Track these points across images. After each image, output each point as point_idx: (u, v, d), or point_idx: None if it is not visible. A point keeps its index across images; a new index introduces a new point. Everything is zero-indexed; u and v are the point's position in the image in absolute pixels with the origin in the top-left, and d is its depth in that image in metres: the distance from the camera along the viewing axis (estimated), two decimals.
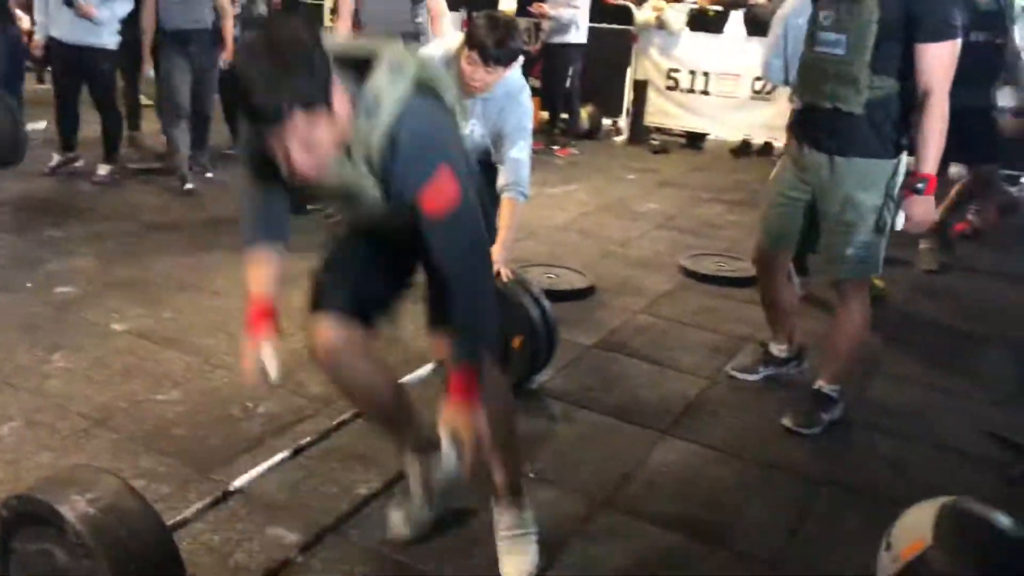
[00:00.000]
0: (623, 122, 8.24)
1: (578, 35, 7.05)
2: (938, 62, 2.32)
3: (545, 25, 7.14)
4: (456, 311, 1.69)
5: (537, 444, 2.62)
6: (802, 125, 2.69)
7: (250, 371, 1.81)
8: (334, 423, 2.30)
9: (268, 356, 1.84)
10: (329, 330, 1.90)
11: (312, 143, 1.45)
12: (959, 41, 2.32)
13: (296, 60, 1.39)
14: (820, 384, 2.83)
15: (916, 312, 3.99)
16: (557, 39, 7.08)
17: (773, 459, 2.61)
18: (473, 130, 3.28)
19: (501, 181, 3.14)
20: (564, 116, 7.51)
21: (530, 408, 2.83)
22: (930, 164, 2.41)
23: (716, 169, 7.12)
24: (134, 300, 3.63)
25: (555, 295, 3.58)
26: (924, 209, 2.49)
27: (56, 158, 5.55)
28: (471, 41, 2.94)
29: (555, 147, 7.26)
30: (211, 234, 4.59)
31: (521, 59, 3.05)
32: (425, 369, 2.67)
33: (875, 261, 2.64)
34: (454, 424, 1.68)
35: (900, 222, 2.52)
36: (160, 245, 4.39)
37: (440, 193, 1.61)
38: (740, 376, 3.12)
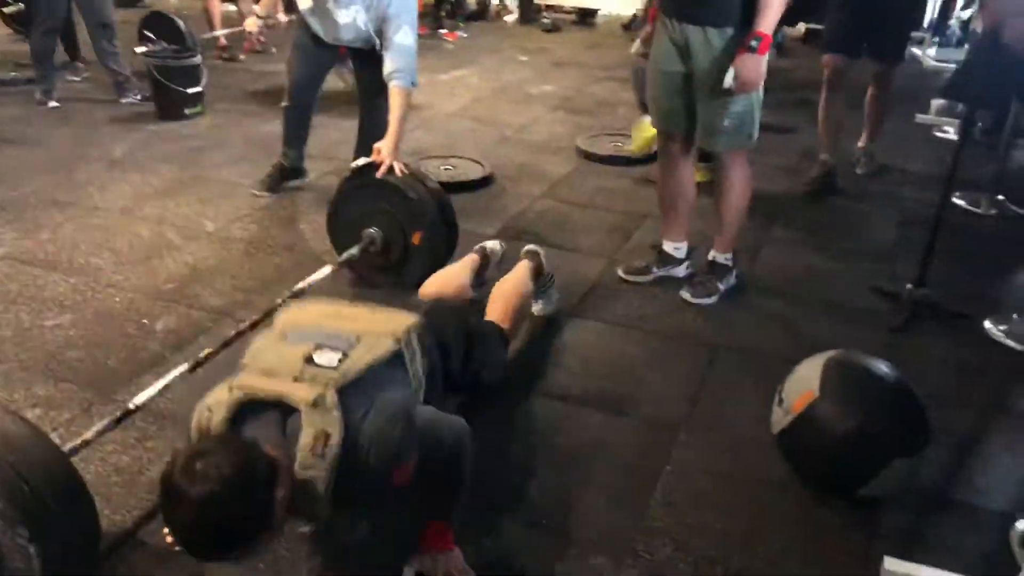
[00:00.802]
0: (512, 1, 8.01)
1: None
2: None
3: None
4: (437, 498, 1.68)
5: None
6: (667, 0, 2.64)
7: None
8: (232, 333, 2.24)
9: None
10: None
11: None
12: None
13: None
14: (714, 254, 2.93)
15: (803, 175, 4.14)
16: None
17: (673, 330, 2.72)
18: (356, 17, 3.13)
19: (387, 68, 3.04)
20: None
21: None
22: (768, 21, 2.40)
23: (609, 46, 7.06)
24: (7, 223, 3.40)
25: (453, 186, 3.56)
26: (753, 67, 2.45)
27: None
28: None
29: (443, 31, 7.02)
30: (81, 147, 4.29)
31: None
32: (322, 272, 2.62)
33: (750, 131, 2.67)
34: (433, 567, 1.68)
35: (729, 80, 2.47)
36: (27, 163, 4.09)
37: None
38: (632, 279, 3.01)
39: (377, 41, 3.14)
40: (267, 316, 2.39)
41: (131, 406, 1.84)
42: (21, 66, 5.55)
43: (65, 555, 1.50)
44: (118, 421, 1.85)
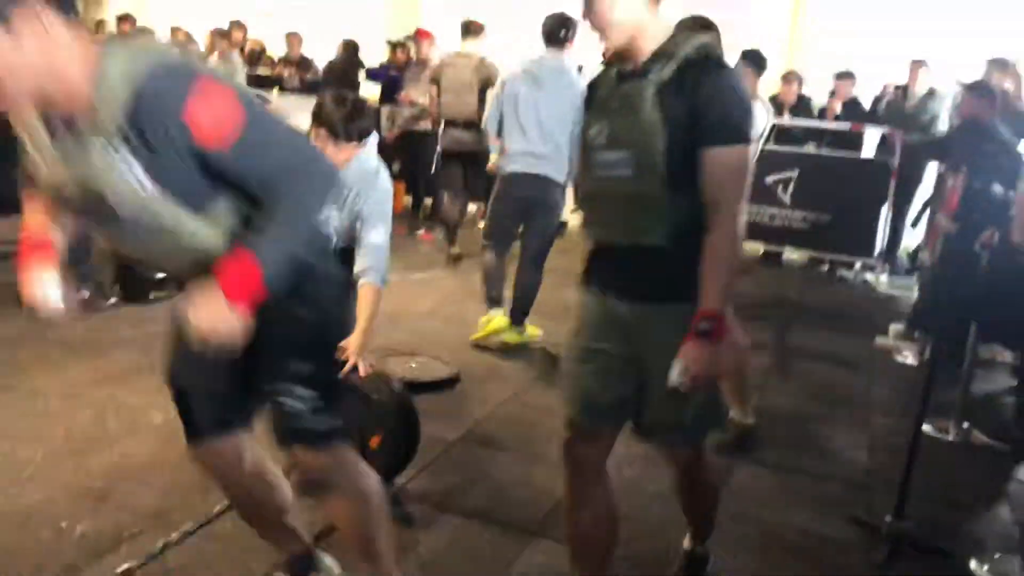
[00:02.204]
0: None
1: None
2: (724, 170, 1.78)
3: (406, 112, 7.17)
4: (272, 214, 1.54)
5: (398, 554, 2.42)
6: (599, 270, 2.05)
7: (35, 300, 1.73)
8: (160, 545, 2.03)
9: (50, 283, 1.75)
10: (210, 459, 1.94)
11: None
12: (751, 146, 1.84)
13: None
14: (690, 545, 2.48)
15: (769, 398, 4.12)
16: (422, 126, 7.12)
17: (638, 552, 2.54)
18: (331, 216, 3.16)
19: (358, 267, 3.03)
20: (427, 200, 7.50)
21: (389, 513, 2.64)
22: (716, 295, 1.79)
23: (577, 253, 7.26)
24: None
25: (418, 386, 3.45)
26: (705, 357, 1.79)
27: None
28: (318, 119, 2.88)
29: (419, 232, 7.22)
30: (36, 326, 4.14)
31: (375, 140, 3.02)
32: None
33: (720, 413, 2.15)
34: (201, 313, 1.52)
35: (675, 376, 1.80)
36: None
37: (211, 109, 1.43)
38: None
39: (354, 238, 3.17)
40: (201, 527, 2.19)
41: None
42: None
43: None
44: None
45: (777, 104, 7.50)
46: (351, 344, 2.78)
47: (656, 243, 1.83)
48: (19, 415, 3.17)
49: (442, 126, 6.34)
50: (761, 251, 7.36)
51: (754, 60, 4.18)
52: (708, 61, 1.80)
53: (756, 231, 7.01)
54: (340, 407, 1.86)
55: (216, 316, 1.51)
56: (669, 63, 1.79)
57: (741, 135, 1.80)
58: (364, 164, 3.05)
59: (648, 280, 1.89)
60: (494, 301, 4.59)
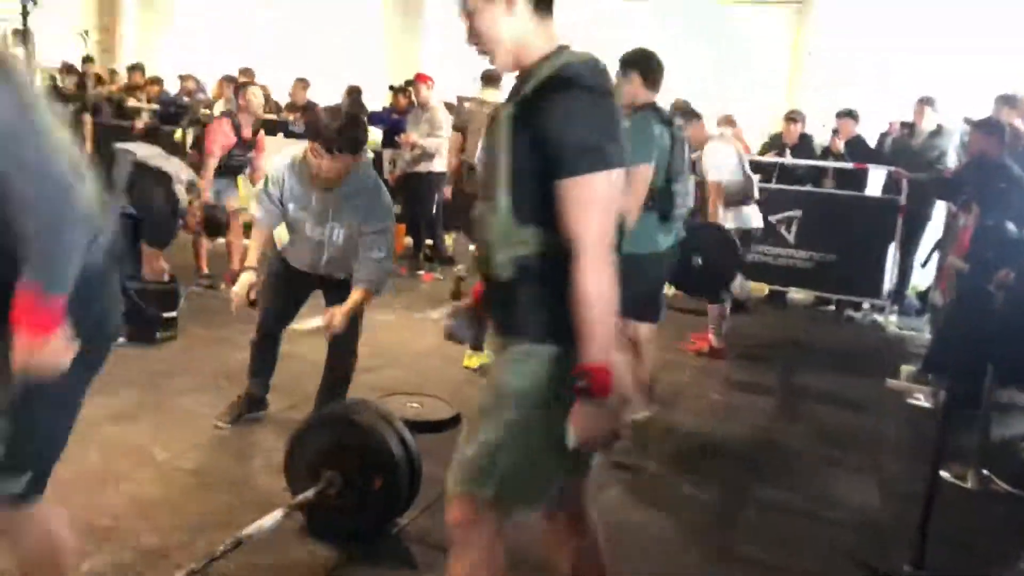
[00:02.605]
0: None
1: (441, 163, 7.18)
2: (574, 204, 1.57)
3: (407, 155, 7.24)
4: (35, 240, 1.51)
5: None
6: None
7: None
8: None
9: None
10: None
11: None
12: (614, 172, 1.59)
13: None
14: None
15: (776, 439, 4.07)
16: (423, 167, 7.19)
17: None
18: (334, 232, 3.18)
19: (358, 276, 3.10)
20: (428, 242, 7.54)
21: (389, 555, 2.62)
22: (587, 348, 1.57)
23: None
24: None
25: (418, 425, 3.42)
26: (583, 417, 1.59)
27: None
28: (313, 133, 2.96)
29: (420, 272, 7.23)
30: None
31: (370, 154, 3.11)
32: (273, 517, 2.41)
33: (494, 478, 1.72)
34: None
35: (570, 438, 1.63)
36: None
37: None
38: None
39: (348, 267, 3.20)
40: (205, 566, 2.16)
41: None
42: None
43: None
44: None
45: (779, 144, 7.55)
46: (339, 310, 3.09)
47: (502, 277, 1.68)
48: None
49: (466, 169, 6.31)
50: (766, 291, 7.35)
51: (636, 64, 3.47)
52: (561, 81, 1.61)
53: (760, 271, 7.00)
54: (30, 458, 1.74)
55: (38, 354, 1.54)
56: (529, 84, 1.64)
57: (593, 163, 1.57)
58: (363, 177, 3.11)
59: (498, 315, 1.76)
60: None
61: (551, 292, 1.61)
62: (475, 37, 1.70)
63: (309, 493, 2.56)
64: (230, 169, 5.87)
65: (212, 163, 5.75)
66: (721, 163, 5.28)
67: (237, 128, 5.80)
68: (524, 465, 1.69)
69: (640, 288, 3.49)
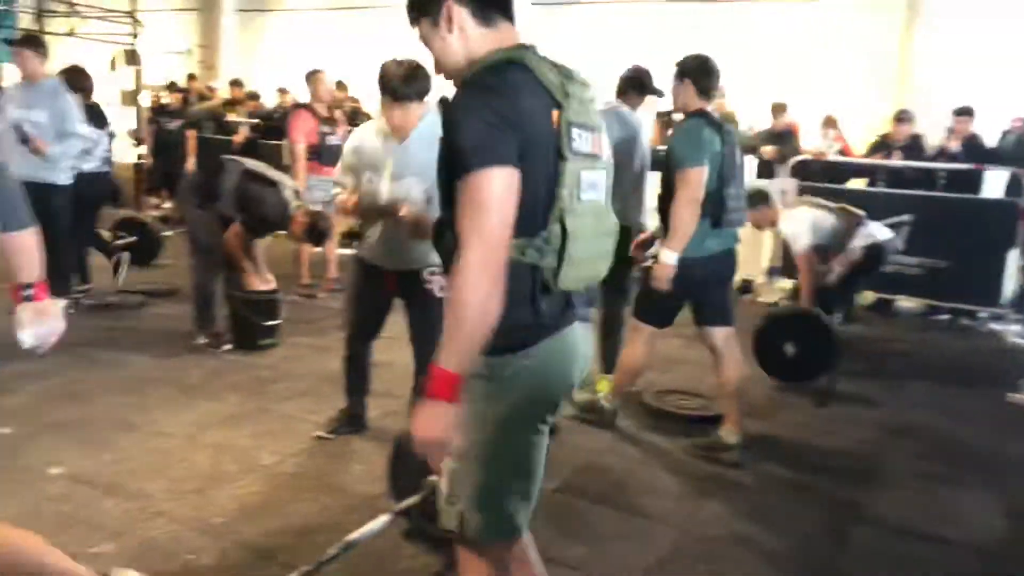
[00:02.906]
0: None
1: None
2: (460, 205, 1.56)
3: None
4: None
5: None
6: None
7: None
8: None
9: None
10: None
11: None
12: (493, 172, 1.52)
13: None
14: None
15: (887, 456, 3.92)
16: None
17: None
18: (410, 189, 3.25)
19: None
20: None
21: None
22: (446, 353, 1.53)
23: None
24: (74, 441, 3.44)
25: None
26: (419, 418, 1.57)
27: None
28: (382, 86, 3.17)
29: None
30: (158, 370, 4.43)
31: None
32: (379, 521, 2.50)
33: (463, 507, 1.73)
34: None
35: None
36: (104, 382, 4.22)
37: None
38: None
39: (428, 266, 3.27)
40: (316, 568, 2.27)
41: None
42: (124, 292, 5.96)
43: None
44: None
45: (887, 145, 7.27)
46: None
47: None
48: (145, 452, 3.38)
49: None
50: (873, 299, 7.07)
51: (689, 72, 3.52)
52: (464, 83, 1.62)
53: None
54: None
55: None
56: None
57: (480, 162, 1.52)
58: (433, 126, 3.21)
59: None
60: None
61: None
62: (438, 67, 1.72)
63: (414, 499, 2.64)
64: (329, 156, 5.96)
65: (300, 150, 6.18)
66: (799, 230, 5.03)
67: (314, 112, 6.32)
68: (482, 491, 1.70)
69: (691, 292, 3.57)
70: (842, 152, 8.14)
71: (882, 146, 7.38)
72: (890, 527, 3.13)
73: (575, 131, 1.62)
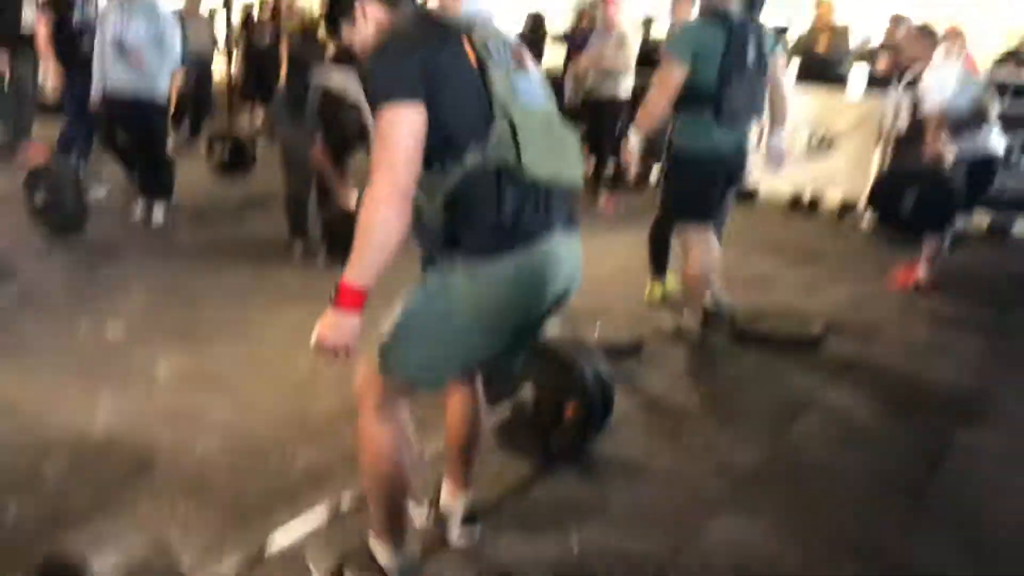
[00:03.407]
0: None
1: (626, 88, 7.01)
2: (375, 139, 1.72)
3: (590, 78, 7.10)
4: None
5: (584, 510, 2.49)
6: None
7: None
8: None
9: None
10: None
11: None
12: (396, 109, 1.66)
13: None
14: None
15: (993, 383, 3.76)
16: (607, 91, 7.05)
17: (836, 538, 2.43)
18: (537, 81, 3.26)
19: None
20: (610, 167, 7.42)
21: (576, 471, 2.71)
22: (352, 269, 1.72)
23: (769, 223, 6.96)
24: (181, 342, 3.62)
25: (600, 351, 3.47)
26: (328, 327, 1.77)
27: (140, 204, 5.64)
28: None
29: (600, 196, 7.19)
30: (260, 280, 4.59)
31: None
32: None
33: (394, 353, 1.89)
34: None
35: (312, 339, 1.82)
36: (210, 288, 4.40)
37: None
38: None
39: None
40: None
41: (267, 548, 1.80)
42: (219, 201, 6.16)
43: None
44: (252, 564, 1.82)
45: (1017, 56, 6.75)
46: None
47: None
48: (247, 355, 3.54)
49: None
50: (986, 223, 6.69)
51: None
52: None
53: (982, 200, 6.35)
54: None
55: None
56: None
57: (380, 101, 1.69)
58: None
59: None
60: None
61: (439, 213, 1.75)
62: (360, 50, 1.88)
63: (504, 410, 2.70)
64: None
65: None
66: (939, 87, 4.77)
67: None
68: (423, 353, 1.85)
69: (691, 184, 3.70)
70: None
71: (1011, 57, 6.86)
72: (988, 457, 3.03)
73: (489, 44, 1.75)
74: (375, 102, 1.70)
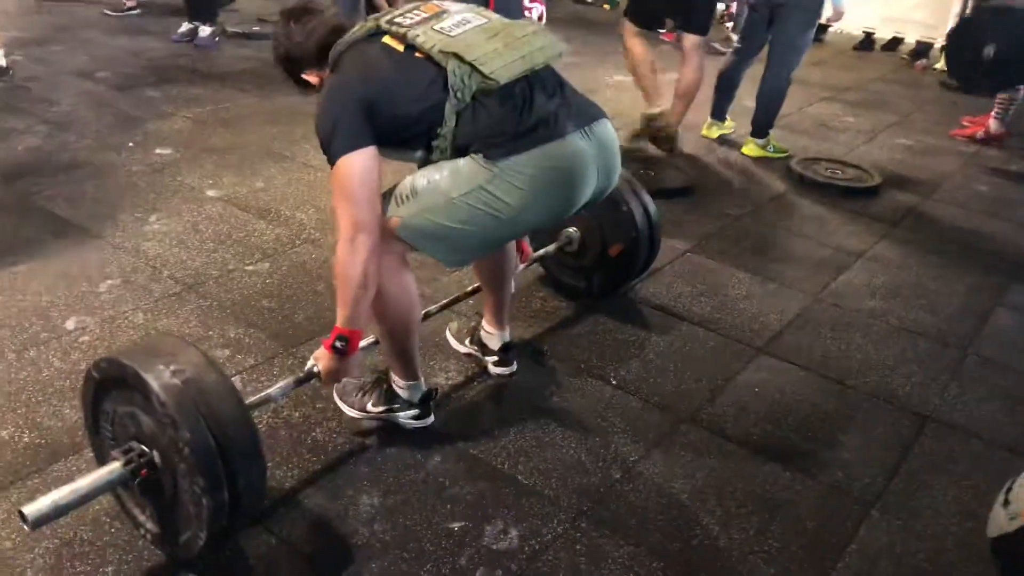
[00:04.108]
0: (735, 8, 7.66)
1: None
2: (333, 191, 1.79)
3: None
4: None
5: (621, 351, 2.52)
6: None
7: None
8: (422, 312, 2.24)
9: None
10: None
11: None
12: (348, 159, 1.71)
13: None
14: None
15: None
16: None
17: (876, 387, 2.44)
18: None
19: None
20: None
21: (616, 312, 2.73)
22: (344, 318, 1.76)
23: (836, 65, 6.59)
24: (228, 167, 3.63)
25: (650, 193, 3.40)
26: (340, 370, 1.85)
27: (185, 26, 5.53)
28: None
29: (661, 31, 6.80)
30: (305, 104, 4.50)
31: None
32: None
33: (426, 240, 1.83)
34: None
35: (310, 366, 1.89)
36: (256, 113, 4.36)
37: None
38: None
39: None
40: (450, 303, 2.39)
41: (315, 369, 1.87)
42: (263, 21, 5.98)
43: (232, 508, 1.53)
44: (300, 382, 1.89)
45: None
46: None
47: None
48: (294, 182, 3.55)
49: None
50: None
51: None
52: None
53: None
54: None
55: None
56: None
57: (328, 154, 1.73)
58: None
59: None
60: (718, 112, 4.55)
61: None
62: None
63: (550, 248, 2.68)
64: None
65: None
66: None
67: None
68: (445, 243, 1.81)
69: None
70: None
71: None
72: None
73: (399, 19, 1.77)
74: (327, 152, 1.72)
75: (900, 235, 3.51)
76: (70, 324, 2.44)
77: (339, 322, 1.77)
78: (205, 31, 5.46)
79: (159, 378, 1.50)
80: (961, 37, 4.49)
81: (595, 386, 2.33)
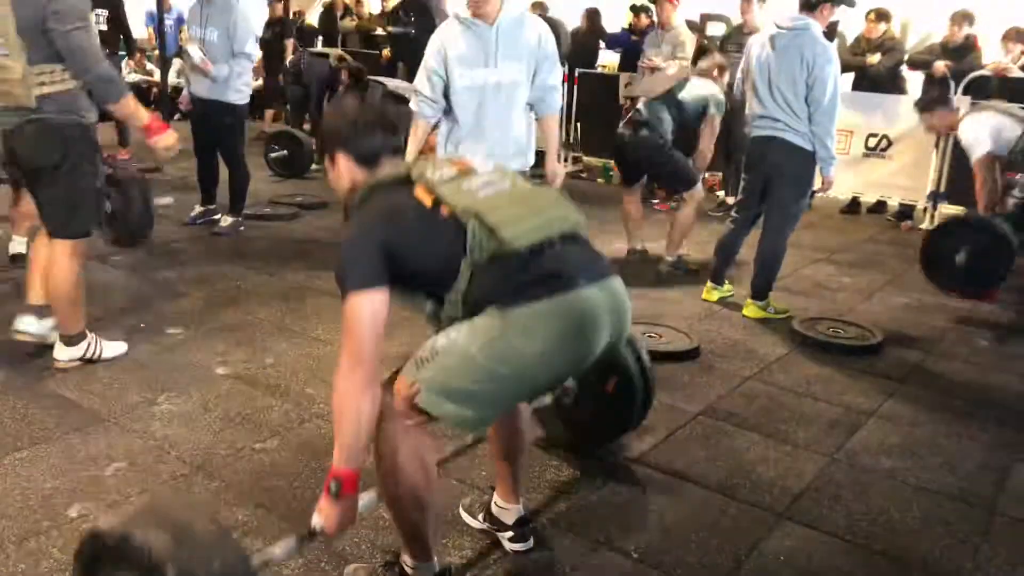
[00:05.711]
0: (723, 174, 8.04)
1: None
2: (343, 323, 1.83)
3: (645, 79, 7.03)
4: None
5: (640, 519, 2.46)
6: None
7: None
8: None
9: None
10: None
11: None
12: (359, 296, 1.78)
13: None
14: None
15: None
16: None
17: (905, 552, 2.36)
18: (517, 73, 3.34)
19: (537, 103, 3.42)
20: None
21: (631, 478, 2.68)
22: (341, 457, 1.77)
23: (826, 228, 6.83)
24: (238, 344, 3.68)
25: (657, 356, 3.43)
26: (338, 514, 1.81)
27: (197, 209, 5.75)
28: None
29: (655, 200, 7.12)
30: (313, 280, 4.65)
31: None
32: None
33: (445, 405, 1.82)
34: None
35: (313, 524, 1.86)
36: (265, 290, 4.47)
37: None
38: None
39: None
40: (457, 452, 2.35)
41: (317, 527, 1.86)
42: (275, 203, 6.27)
43: None
44: (303, 541, 1.91)
45: None
46: (550, 166, 3.50)
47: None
48: (303, 357, 3.58)
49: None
50: None
51: None
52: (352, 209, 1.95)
53: None
54: None
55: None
56: None
57: (343, 285, 1.78)
58: (512, 10, 3.29)
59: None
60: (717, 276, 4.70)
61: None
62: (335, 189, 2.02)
63: (547, 399, 2.66)
64: None
65: None
66: (981, 136, 4.59)
67: None
68: (460, 389, 1.79)
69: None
70: None
71: None
72: None
73: (431, 175, 1.85)
74: (341, 285, 1.78)
75: (908, 392, 3.50)
76: (72, 511, 2.39)
77: (334, 461, 1.78)
78: (227, 220, 5.62)
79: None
80: (935, 244, 4.74)
81: (615, 561, 2.25)
